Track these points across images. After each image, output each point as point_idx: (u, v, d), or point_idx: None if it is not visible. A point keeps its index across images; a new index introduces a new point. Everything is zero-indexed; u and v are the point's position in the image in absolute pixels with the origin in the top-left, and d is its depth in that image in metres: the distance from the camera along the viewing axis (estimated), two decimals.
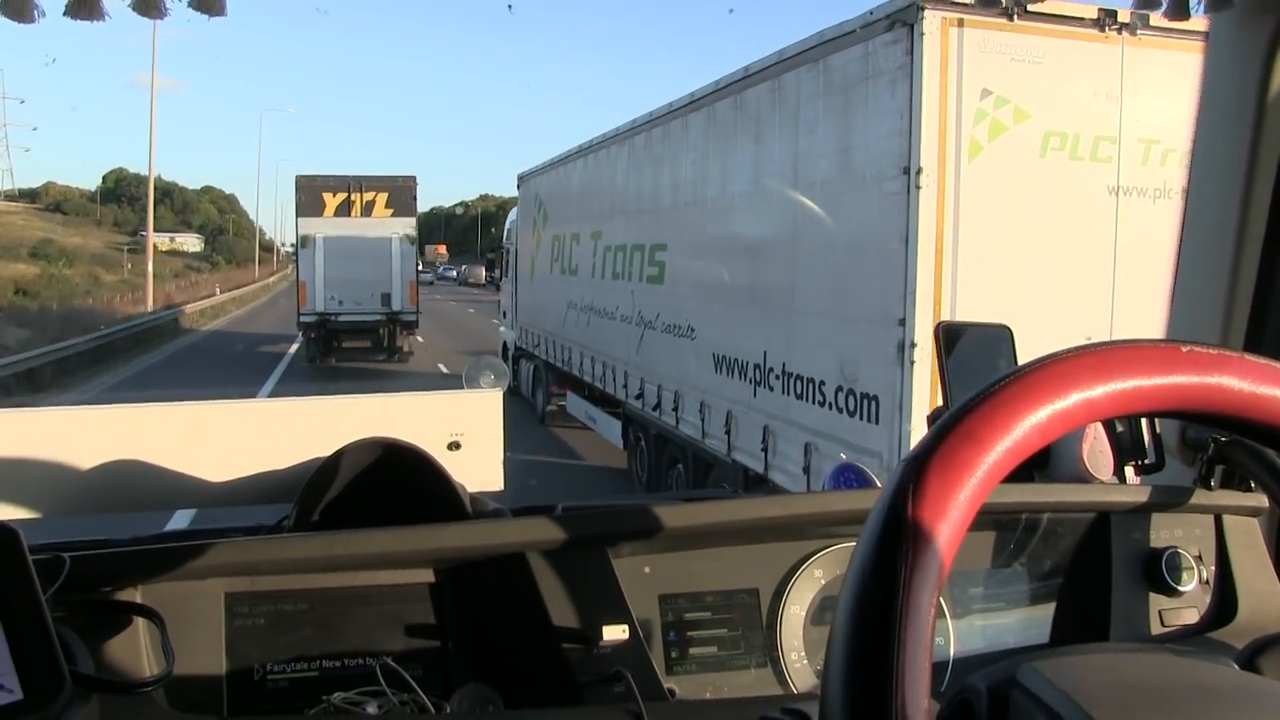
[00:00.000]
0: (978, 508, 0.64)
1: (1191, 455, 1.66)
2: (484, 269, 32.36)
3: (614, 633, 1.36)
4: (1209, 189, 1.71)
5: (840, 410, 6.25)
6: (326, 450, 1.53)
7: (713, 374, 8.25)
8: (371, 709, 1.27)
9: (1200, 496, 1.63)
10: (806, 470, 6.66)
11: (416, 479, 1.52)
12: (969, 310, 5.51)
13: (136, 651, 1.23)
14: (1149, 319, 5.34)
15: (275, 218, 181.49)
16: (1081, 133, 5.67)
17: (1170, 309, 1.79)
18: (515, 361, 16.78)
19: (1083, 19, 5.66)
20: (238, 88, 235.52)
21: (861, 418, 6.02)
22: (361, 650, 1.36)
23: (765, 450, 7.26)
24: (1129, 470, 1.69)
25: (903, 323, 5.57)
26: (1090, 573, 1.62)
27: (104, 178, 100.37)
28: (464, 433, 1.78)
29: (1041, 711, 0.66)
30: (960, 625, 1.55)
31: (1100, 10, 5.67)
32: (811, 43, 6.65)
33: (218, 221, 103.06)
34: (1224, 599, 1.63)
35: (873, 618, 0.60)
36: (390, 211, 21.84)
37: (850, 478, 1.90)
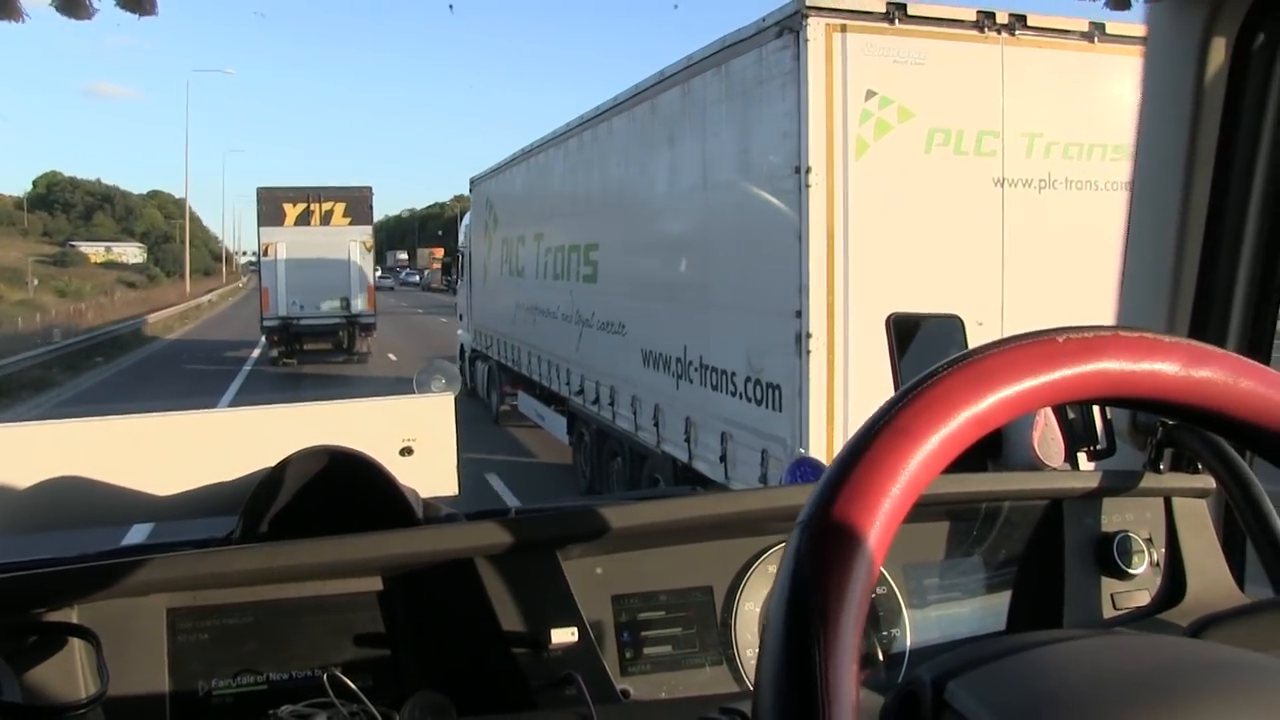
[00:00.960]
0: (882, 556, 0.62)
1: (1141, 439, 1.69)
2: (441, 272, 32.48)
3: (564, 635, 1.36)
4: (1151, 178, 1.72)
5: (749, 400, 6.53)
6: (276, 460, 1.51)
7: (642, 369, 8.51)
8: None
9: (1150, 480, 1.65)
10: (724, 459, 6.94)
11: (363, 486, 1.50)
12: (861, 301, 5.78)
13: (71, 674, 1.20)
14: (1038, 303, 5.65)
15: (230, 224, 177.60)
16: (965, 128, 5.96)
17: (1118, 298, 1.81)
18: (471, 363, 17.03)
19: (962, 21, 5.95)
20: (194, 101, 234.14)
21: (767, 406, 6.30)
22: (310, 662, 1.34)
23: (688, 441, 7.54)
24: (1081, 456, 1.71)
25: (799, 314, 5.84)
26: (1044, 559, 1.63)
27: (34, 182, 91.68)
28: (416, 438, 1.76)
29: None
30: (917, 615, 1.56)
31: (979, 13, 5.96)
32: (715, 48, 6.92)
33: (163, 228, 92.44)
34: (1173, 580, 1.66)
35: (792, 669, 0.59)
36: (348, 220, 22.97)
37: (806, 471, 1.87)
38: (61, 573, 1.29)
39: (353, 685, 1.27)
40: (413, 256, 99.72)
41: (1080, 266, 6.15)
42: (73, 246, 77.35)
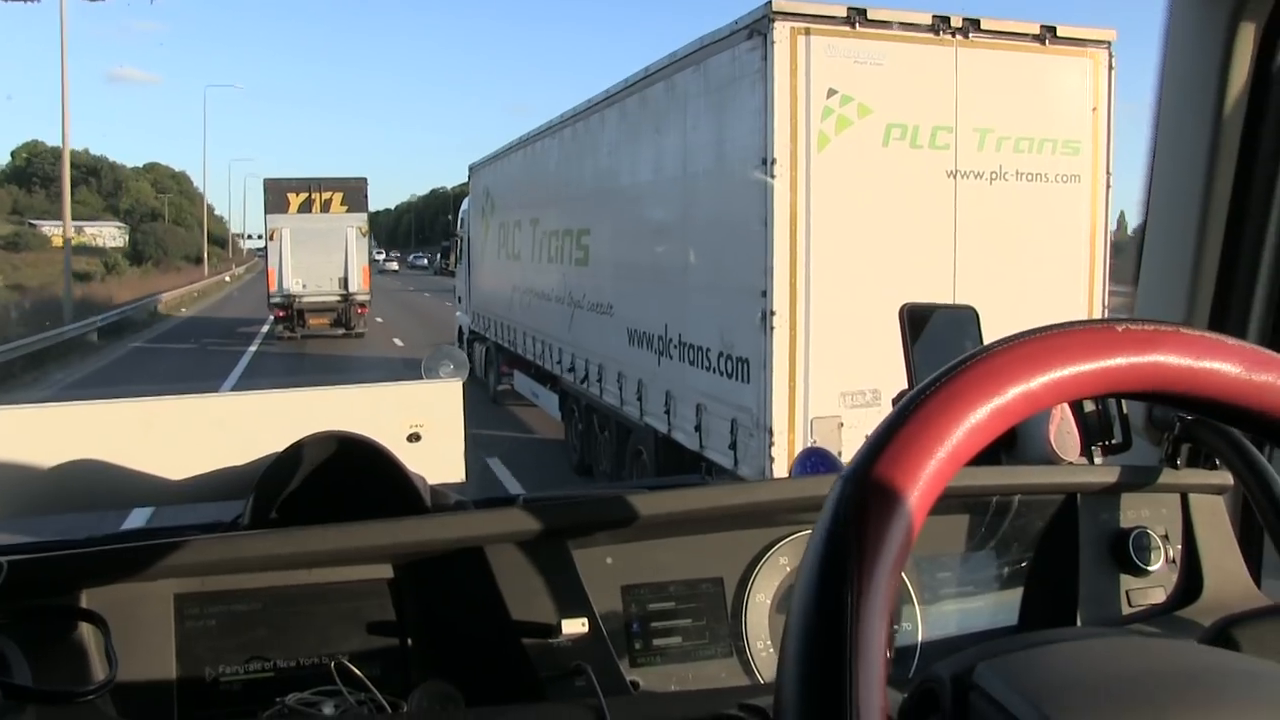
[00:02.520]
0: (922, 517, 0.62)
1: (1158, 434, 1.66)
2: (441, 256, 33.85)
3: (574, 626, 1.35)
4: (1171, 170, 1.70)
5: (722, 373, 7.06)
6: (284, 445, 1.51)
7: (627, 347, 9.04)
8: (327, 710, 1.25)
9: (1167, 476, 1.62)
10: (698, 428, 7.47)
11: (373, 472, 1.50)
12: (821, 282, 6.31)
13: (81, 659, 1.20)
14: (988, 284, 6.16)
15: (233, 203, 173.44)
16: (920, 124, 6.47)
17: (1137, 289, 1.80)
18: (469, 344, 17.54)
19: (919, 25, 6.46)
20: (208, 78, 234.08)
21: (737, 379, 6.82)
22: (317, 649, 1.34)
23: (668, 413, 8.08)
24: (1096, 450, 1.70)
25: (765, 294, 6.36)
26: (1059, 554, 1.61)
27: (13, 153, 76.67)
28: (424, 423, 1.76)
29: (1000, 715, 0.65)
30: (929, 610, 1.55)
31: (935, 17, 6.47)
32: (695, 46, 7.44)
33: (151, 204, 78.84)
34: (1190, 578, 1.63)
35: (823, 624, 0.59)
36: (345, 208, 25.46)
37: (816, 462, 1.85)
38: (71, 556, 1.28)
39: (360, 674, 1.27)
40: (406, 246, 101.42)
41: (1029, 250, 6.69)
42: (34, 226, 65.20)
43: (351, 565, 1.37)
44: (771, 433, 6.36)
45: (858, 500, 0.61)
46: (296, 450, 1.50)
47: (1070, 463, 1.65)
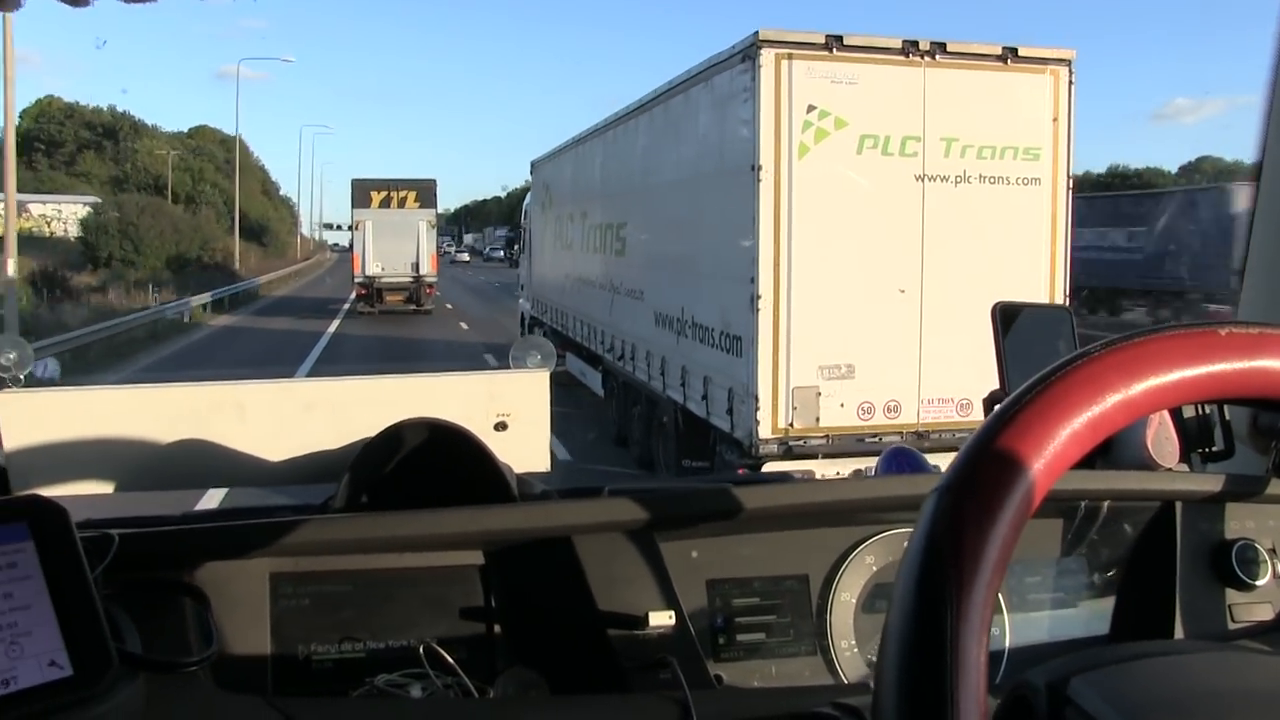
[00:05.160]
0: (1020, 528, 0.61)
1: (1264, 442, 1.59)
2: (505, 246, 36.96)
3: (660, 618, 1.35)
4: None
5: (722, 349, 8.16)
6: (373, 430, 1.53)
7: (654, 329, 10.19)
8: (415, 691, 1.27)
9: (1274, 486, 1.55)
10: (704, 398, 8.60)
11: (463, 460, 1.52)
12: (802, 271, 7.36)
13: (183, 631, 1.23)
14: (954, 276, 7.18)
15: (310, 197, 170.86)
16: (891, 134, 7.47)
17: (1243, 289, 1.74)
18: (530, 329, 18.81)
19: (890, 48, 7.47)
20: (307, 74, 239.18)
21: (732, 354, 7.92)
22: (405, 633, 1.36)
23: (683, 386, 9.21)
24: (1196, 458, 1.65)
25: (753, 280, 7.44)
26: (1154, 564, 1.56)
27: (22, 114, 55.48)
28: (510, 413, 1.76)
29: None
30: (1016, 617, 1.52)
31: (905, 41, 7.47)
32: (705, 65, 8.54)
33: (154, 174, 56.96)
34: None
35: (922, 648, 0.59)
36: (418, 204, 30.53)
37: (902, 461, 1.84)
38: (176, 533, 1.32)
39: (448, 658, 1.28)
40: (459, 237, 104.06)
41: (991, 245, 7.66)
42: None
43: (441, 551, 1.39)
44: (757, 399, 7.44)
45: (954, 515, 0.61)
46: (389, 436, 1.51)
47: (1169, 469, 1.60)
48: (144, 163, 57.66)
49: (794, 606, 1.47)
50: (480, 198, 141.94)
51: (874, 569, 1.50)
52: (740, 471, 7.47)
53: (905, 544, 0.64)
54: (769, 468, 7.36)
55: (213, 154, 62.88)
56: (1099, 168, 54.08)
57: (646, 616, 1.35)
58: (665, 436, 10.06)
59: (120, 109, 61.20)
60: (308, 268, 60.82)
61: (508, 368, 2.00)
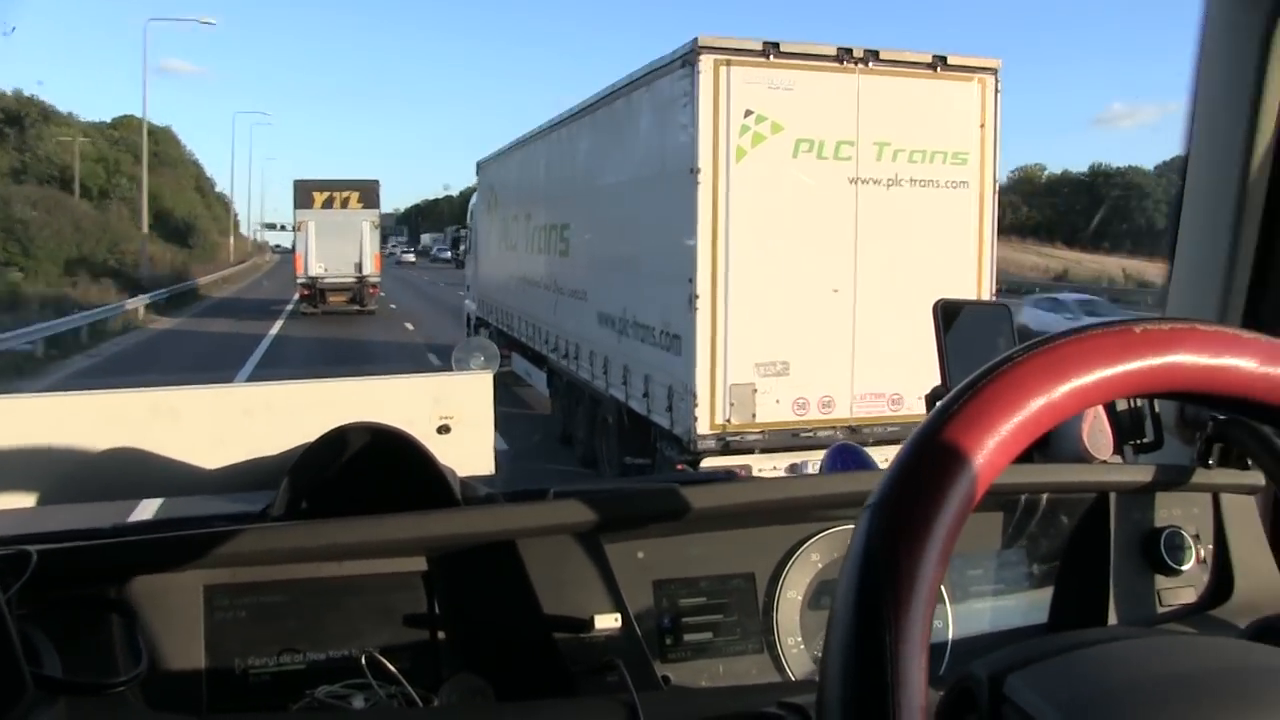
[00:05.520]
0: (955, 537, 0.62)
1: (1190, 433, 1.66)
2: (450, 247, 37.12)
3: (606, 621, 1.34)
4: (1205, 166, 1.70)
5: (662, 348, 8.34)
6: (314, 435, 1.51)
7: (597, 328, 10.35)
8: (358, 703, 1.25)
9: (1199, 475, 1.61)
10: (646, 395, 8.78)
11: (405, 465, 1.50)
12: (739, 271, 7.56)
13: (109, 650, 1.18)
14: (885, 275, 7.43)
15: (249, 195, 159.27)
16: (826, 138, 7.70)
17: (1169, 286, 1.79)
18: (475, 329, 18.90)
19: (825, 55, 7.70)
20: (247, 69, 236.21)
21: (672, 352, 8.11)
22: (347, 642, 1.33)
23: (625, 384, 9.38)
24: (1128, 449, 1.69)
25: (691, 280, 7.63)
26: (1090, 553, 1.60)
27: None
28: (453, 416, 1.75)
29: None
30: (959, 608, 1.54)
31: (839, 49, 7.71)
32: (646, 70, 8.73)
33: (62, 163, 48.52)
34: (1220, 577, 1.62)
35: (863, 653, 0.60)
36: (361, 205, 30.40)
37: (847, 459, 1.85)
38: (101, 547, 1.28)
39: (391, 667, 1.26)
40: (415, 237, 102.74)
41: (922, 245, 7.92)
42: None
43: (383, 558, 1.36)
44: (695, 396, 7.63)
45: (887, 533, 0.62)
46: (328, 441, 1.49)
47: (1103, 461, 1.64)
48: (48, 152, 49.21)
49: (741, 605, 1.47)
50: (431, 196, 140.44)
51: (819, 565, 1.50)
52: (679, 468, 7.67)
53: (848, 541, 0.65)
54: (707, 463, 7.57)
55: (135, 145, 52.00)
56: (1080, 167, 55.01)
57: (592, 619, 1.34)
58: (608, 434, 10.22)
59: (29, 94, 52.25)
60: (238, 273, 54.90)
61: (450, 370, 1.97)
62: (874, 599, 0.60)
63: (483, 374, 1.87)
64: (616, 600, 1.37)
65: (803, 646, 1.47)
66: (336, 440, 1.49)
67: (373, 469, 1.48)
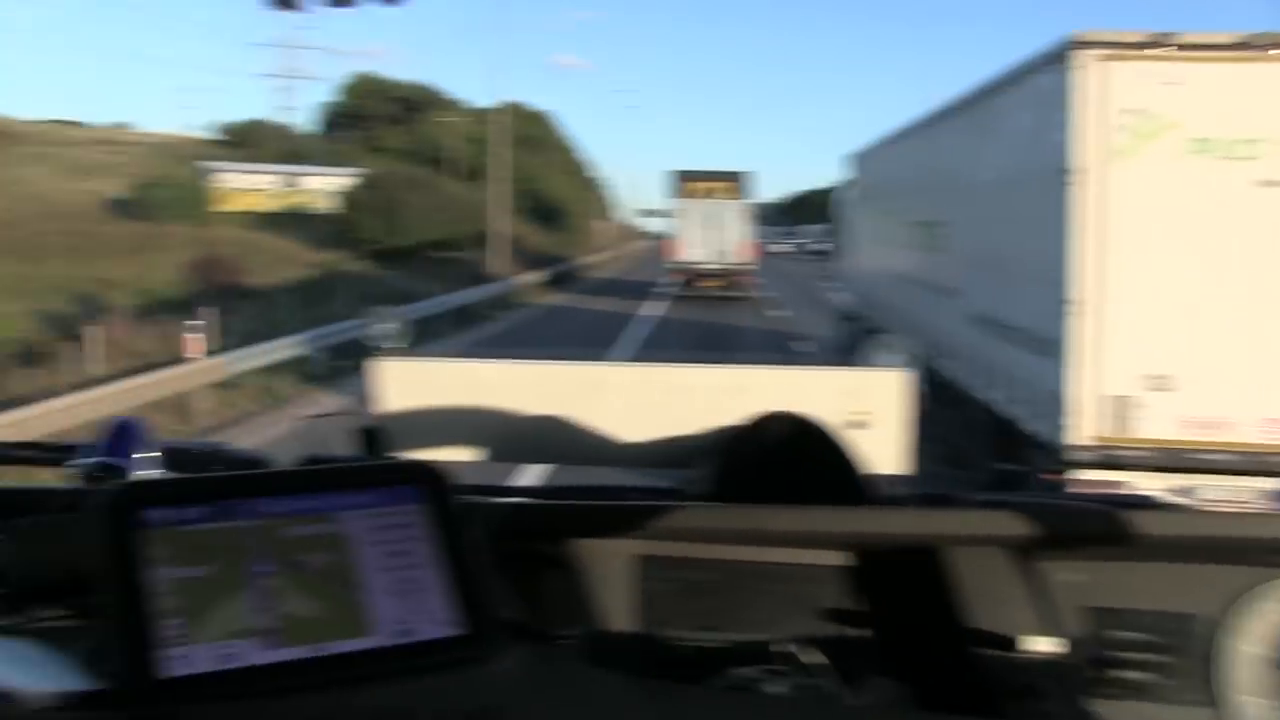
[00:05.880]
0: None
1: None
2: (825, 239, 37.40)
3: (1036, 642, 1.28)
4: None
5: (1035, 353, 8.11)
6: (725, 419, 1.53)
7: (967, 327, 10.23)
8: (771, 689, 1.24)
9: None
10: (1016, 399, 8.58)
11: (825, 457, 1.50)
12: (1119, 278, 7.16)
13: (554, 603, 1.26)
14: None
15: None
16: (1224, 136, 7.03)
17: None
18: (846, 322, 19.01)
19: (1220, 45, 7.13)
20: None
21: (1043, 357, 7.86)
22: (764, 628, 1.34)
23: (994, 386, 9.25)
24: None
25: (1066, 285, 7.34)
26: None
27: (347, 89, 55.38)
28: (869, 412, 1.74)
29: None
30: None
31: (1238, 37, 7.11)
32: (1021, 66, 8.50)
33: (439, 146, 49.53)
34: None
35: None
36: (734, 195, 32.48)
37: None
38: (554, 507, 1.36)
39: (804, 659, 1.25)
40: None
41: None
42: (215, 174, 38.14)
43: (805, 548, 1.37)
44: (1067, 404, 7.36)
45: None
46: (754, 426, 1.51)
47: None
48: (433, 135, 51.20)
49: (1184, 647, 1.36)
50: (819, 186, 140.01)
51: (1275, 618, 1.36)
52: (1044, 478, 7.43)
53: None
54: (1076, 476, 7.27)
55: (515, 129, 50.75)
56: None
57: (1021, 639, 1.28)
58: (974, 436, 10.04)
59: (427, 84, 55.76)
60: (598, 262, 52.33)
61: (860, 365, 2.04)
62: None
63: (899, 372, 1.85)
64: (1051, 622, 1.32)
65: (1263, 708, 1.34)
66: (762, 426, 1.52)
67: (794, 459, 1.50)
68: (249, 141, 47.06)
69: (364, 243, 32.68)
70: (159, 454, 1.36)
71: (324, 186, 39.00)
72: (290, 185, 41.09)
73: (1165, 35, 7.12)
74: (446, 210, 35.70)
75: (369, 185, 35.47)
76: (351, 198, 35.37)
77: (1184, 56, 7.14)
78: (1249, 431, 7.16)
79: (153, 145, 46.48)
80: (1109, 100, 7.14)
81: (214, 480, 0.95)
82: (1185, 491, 7.03)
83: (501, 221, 34.42)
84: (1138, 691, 1.35)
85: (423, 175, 39.32)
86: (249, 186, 39.53)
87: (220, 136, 49.68)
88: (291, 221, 35.77)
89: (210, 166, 38.90)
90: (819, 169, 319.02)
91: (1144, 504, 1.70)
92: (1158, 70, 7.12)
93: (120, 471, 1.29)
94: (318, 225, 35.12)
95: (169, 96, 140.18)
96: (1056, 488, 7.25)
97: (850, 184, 18.86)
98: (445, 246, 34.86)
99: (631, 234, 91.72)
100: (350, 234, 33.41)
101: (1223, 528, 1.43)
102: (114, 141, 46.10)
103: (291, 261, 29.57)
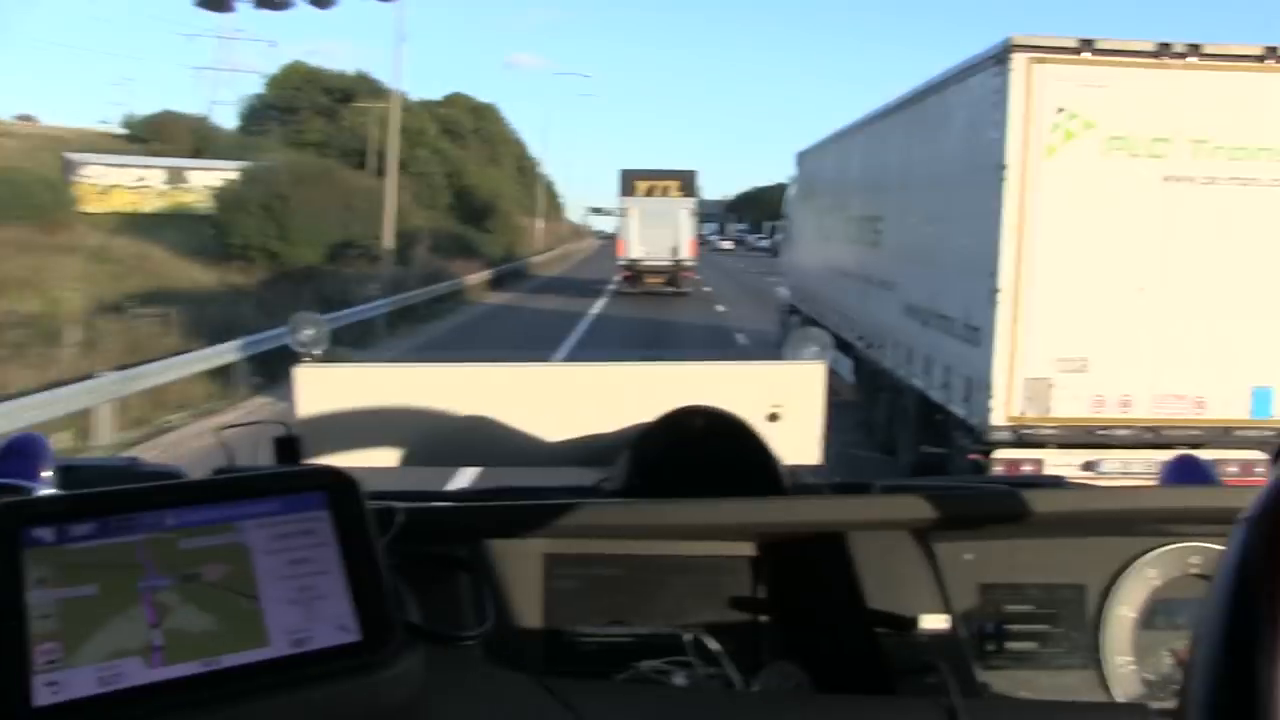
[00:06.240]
0: None
1: None
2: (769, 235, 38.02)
3: (931, 621, 1.31)
4: None
5: (963, 340, 8.57)
6: (646, 416, 1.54)
7: (902, 318, 10.68)
8: (679, 680, 1.27)
9: None
10: (945, 385, 9.05)
11: (738, 450, 1.51)
12: (1041, 267, 7.64)
13: (458, 605, 1.26)
14: (1195, 278, 7.33)
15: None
16: (1139, 136, 7.56)
17: None
18: (788, 316, 19.50)
19: (1142, 52, 7.62)
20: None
21: (971, 344, 8.33)
22: (671, 620, 1.36)
23: (926, 374, 9.70)
24: None
25: (993, 274, 7.80)
26: None
27: (267, 83, 48.70)
28: (783, 404, 1.74)
29: None
30: None
31: (1157, 44, 7.61)
32: (959, 68, 8.96)
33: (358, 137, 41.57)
34: None
35: (1232, 681, 0.55)
36: (680, 193, 32.92)
37: (1187, 472, 1.77)
38: (458, 509, 1.37)
39: (713, 648, 1.28)
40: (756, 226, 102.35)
41: (1238, 248, 7.70)
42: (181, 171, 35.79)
43: (715, 540, 1.38)
44: (991, 387, 7.82)
45: (1267, 547, 0.56)
46: (666, 422, 1.52)
47: None
48: (353, 124, 43.61)
49: (1069, 617, 1.42)
50: (762, 185, 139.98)
51: (1156, 583, 1.43)
52: (970, 458, 7.89)
53: (1189, 559, 0.63)
54: (999, 455, 7.74)
55: (454, 120, 49.88)
56: None
57: (917, 619, 1.32)
58: (906, 423, 10.50)
59: (367, 74, 47.77)
60: (545, 261, 49.53)
61: (779, 358, 1.99)
62: (1249, 621, 0.55)
63: (816, 364, 1.87)
64: (942, 601, 1.36)
65: (1134, 668, 1.41)
66: (675, 422, 1.55)
67: (707, 452, 1.51)
68: (159, 136, 41.57)
69: (233, 248, 26.85)
70: (52, 472, 1.35)
71: (216, 182, 31.20)
72: (176, 182, 35.10)
73: (1090, 41, 7.61)
74: (353, 209, 29.36)
75: (248, 181, 28.57)
76: (224, 196, 28.87)
77: (1106, 61, 7.64)
78: (1145, 408, 7.75)
79: (46, 138, 39.43)
80: (1042, 100, 7.61)
81: (104, 495, 0.93)
82: (1093, 465, 7.57)
83: (388, 226, 25.16)
84: (1025, 660, 1.41)
85: (320, 167, 32.55)
86: (134, 183, 34.18)
87: (122, 130, 43.85)
88: (171, 223, 30.49)
89: (82, 159, 33.65)
90: (771, 167, 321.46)
91: (1044, 483, 1.77)
92: (1082, 74, 7.61)
93: (20, 491, 1.26)
94: (199, 227, 29.46)
95: (100, 91, 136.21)
96: (980, 468, 7.74)
97: (799, 182, 19.37)
98: (349, 249, 27.99)
99: (583, 233, 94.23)
100: (223, 238, 27.54)
101: (1112, 501, 1.50)
102: (8, 134, 38.87)
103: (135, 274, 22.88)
